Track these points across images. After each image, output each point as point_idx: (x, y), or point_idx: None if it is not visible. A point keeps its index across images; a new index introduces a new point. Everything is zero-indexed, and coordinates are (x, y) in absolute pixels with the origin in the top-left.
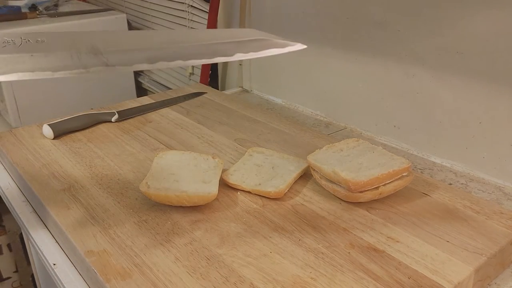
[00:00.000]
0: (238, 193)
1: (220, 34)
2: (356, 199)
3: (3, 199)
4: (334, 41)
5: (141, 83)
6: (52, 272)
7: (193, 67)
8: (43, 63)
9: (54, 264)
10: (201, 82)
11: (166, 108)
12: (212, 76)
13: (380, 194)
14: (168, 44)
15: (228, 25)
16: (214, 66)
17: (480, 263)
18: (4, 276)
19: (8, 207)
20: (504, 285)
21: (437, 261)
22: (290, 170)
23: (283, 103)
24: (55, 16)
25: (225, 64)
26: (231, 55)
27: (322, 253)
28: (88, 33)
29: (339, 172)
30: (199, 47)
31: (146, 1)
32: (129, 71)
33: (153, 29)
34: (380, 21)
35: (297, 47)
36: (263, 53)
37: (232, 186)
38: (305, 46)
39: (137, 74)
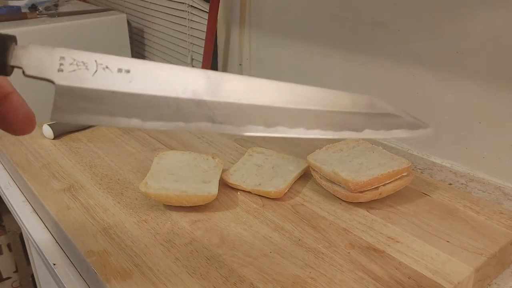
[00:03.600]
0: (238, 193)
1: (341, 99)
2: (356, 199)
3: (3, 199)
4: (334, 41)
5: None
6: (52, 272)
7: (193, 66)
8: (128, 107)
9: (54, 264)
10: None
11: None
12: None
13: (380, 194)
14: (293, 104)
15: (228, 25)
16: (214, 66)
17: (480, 263)
18: (4, 276)
19: (8, 207)
20: (504, 285)
21: (437, 261)
22: (290, 170)
23: None
24: (55, 16)
25: (225, 64)
26: (360, 131)
27: (322, 253)
28: (189, 71)
29: (339, 172)
30: (324, 114)
31: (146, 1)
32: (235, 134)
33: (153, 29)
34: (380, 21)
35: (428, 132)
36: (393, 133)
37: (232, 186)
38: (433, 132)
39: None
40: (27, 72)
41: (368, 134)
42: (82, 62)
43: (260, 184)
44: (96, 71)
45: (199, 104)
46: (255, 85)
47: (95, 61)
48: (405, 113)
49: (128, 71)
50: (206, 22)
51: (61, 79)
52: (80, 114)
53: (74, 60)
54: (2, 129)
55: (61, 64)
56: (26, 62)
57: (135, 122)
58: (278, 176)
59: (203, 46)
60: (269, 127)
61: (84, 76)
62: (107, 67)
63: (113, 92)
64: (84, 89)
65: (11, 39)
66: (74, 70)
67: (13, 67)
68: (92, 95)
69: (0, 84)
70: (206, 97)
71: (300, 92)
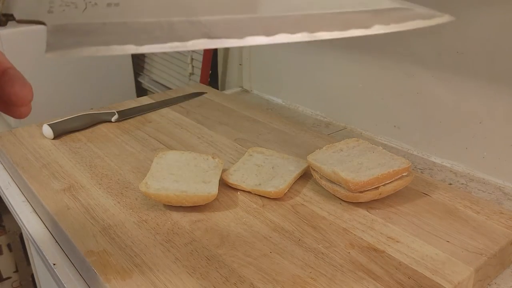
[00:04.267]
0: (238, 193)
1: (345, 1)
2: (356, 199)
3: (3, 199)
4: (334, 41)
5: (141, 83)
6: (52, 272)
7: (193, 66)
8: (121, 34)
9: (54, 264)
10: (201, 82)
11: (166, 108)
12: (212, 76)
13: (380, 194)
14: (288, 11)
15: None
16: (214, 66)
17: (480, 263)
18: (4, 276)
19: (8, 207)
20: (504, 285)
21: (437, 261)
22: (290, 170)
23: (283, 103)
24: None
25: (225, 64)
26: (369, 27)
27: (322, 253)
28: None
29: (339, 172)
30: (327, 16)
31: None
32: (239, 46)
33: None
34: None
35: (445, 18)
36: (406, 26)
37: (232, 186)
38: (453, 18)
39: (137, 74)
40: (18, 17)
41: (378, 29)
42: (72, 2)
43: (260, 184)
44: (86, 8)
45: (193, 23)
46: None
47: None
48: (416, 5)
49: (117, 4)
50: None
51: (52, 19)
52: (73, 48)
53: (63, 1)
54: (2, 110)
55: (51, 7)
56: (17, 9)
57: (129, 48)
58: (278, 176)
59: None
60: (269, 36)
61: (74, 14)
62: (96, 4)
63: (104, 24)
64: (75, 25)
65: None
66: (63, 10)
67: (5, 15)
68: (83, 29)
69: None
70: (200, 17)
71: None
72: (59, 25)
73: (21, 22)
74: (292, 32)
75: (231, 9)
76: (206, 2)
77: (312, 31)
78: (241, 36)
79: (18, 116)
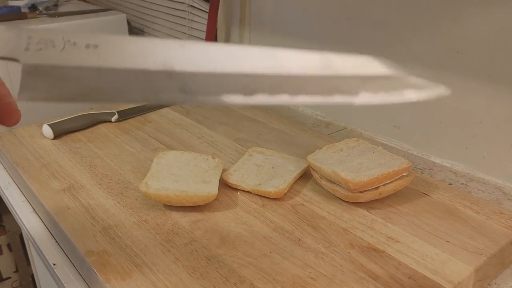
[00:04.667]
0: (238, 193)
1: (331, 61)
2: (356, 199)
3: (3, 199)
4: (334, 41)
5: None
6: (52, 272)
7: None
8: (95, 81)
9: (54, 264)
10: None
11: (166, 108)
12: None
13: (380, 194)
14: (271, 70)
15: (228, 25)
16: None
17: (480, 263)
18: (4, 276)
19: (8, 207)
20: (504, 285)
21: (437, 261)
22: (290, 170)
23: None
24: (55, 16)
25: None
26: (354, 94)
27: (322, 253)
28: (158, 41)
29: (339, 172)
30: (312, 79)
31: (146, 1)
32: (212, 104)
33: (153, 29)
34: (380, 21)
35: (439, 91)
36: (396, 96)
37: (232, 186)
38: (448, 92)
39: None
40: None
41: (364, 98)
42: (50, 40)
43: (260, 184)
44: (64, 48)
45: (170, 75)
46: (234, 52)
47: (62, 38)
48: (410, 76)
49: (96, 46)
50: (206, 22)
51: (28, 58)
52: (47, 93)
53: (41, 38)
54: None
55: (28, 44)
56: None
57: (103, 96)
58: (278, 176)
59: None
60: (248, 95)
61: (51, 54)
62: (74, 44)
63: (79, 68)
64: (50, 66)
65: None
66: (41, 49)
67: None
68: (57, 72)
69: None
70: (178, 68)
71: (283, 57)
72: (33, 65)
73: None
74: (271, 93)
75: (210, 62)
76: (185, 53)
77: (292, 94)
78: (217, 93)
79: (6, 125)
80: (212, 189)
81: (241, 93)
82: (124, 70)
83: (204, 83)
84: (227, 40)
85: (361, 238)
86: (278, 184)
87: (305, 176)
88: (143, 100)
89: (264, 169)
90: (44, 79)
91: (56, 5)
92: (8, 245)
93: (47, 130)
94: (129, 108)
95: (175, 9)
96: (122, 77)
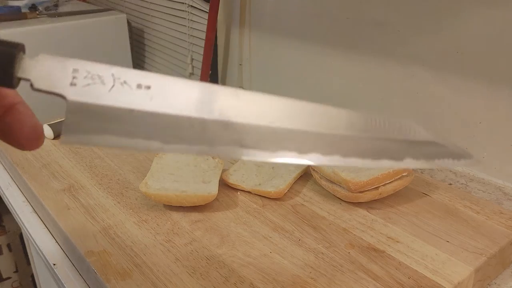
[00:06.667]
0: (238, 193)
1: (379, 124)
2: (356, 199)
3: (3, 199)
4: (334, 41)
5: None
6: (52, 272)
7: (193, 66)
8: (146, 127)
9: (54, 264)
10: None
11: None
12: (212, 76)
13: (380, 194)
14: (328, 129)
15: (228, 25)
16: (214, 66)
17: (480, 263)
18: (4, 276)
19: (8, 207)
20: (504, 285)
21: (437, 261)
22: (290, 170)
23: None
24: (55, 16)
25: (225, 64)
26: (400, 159)
27: (322, 253)
28: (217, 88)
29: (339, 172)
30: (362, 142)
31: (146, 1)
32: (265, 160)
33: (153, 29)
34: (380, 21)
35: (472, 161)
36: (435, 164)
37: (232, 186)
38: (478, 162)
39: None
40: (36, 85)
41: (408, 163)
42: (98, 75)
43: (260, 184)
44: (113, 86)
45: (226, 126)
46: (289, 106)
47: (112, 74)
48: (447, 141)
49: (148, 87)
50: (206, 22)
51: (74, 94)
52: (94, 135)
53: (89, 73)
54: (8, 143)
55: (74, 77)
56: (35, 74)
57: (154, 144)
58: (278, 176)
59: (203, 46)
60: (302, 154)
61: (99, 92)
62: (125, 82)
63: (132, 111)
64: (99, 106)
65: (19, 47)
66: (88, 84)
67: (20, 79)
68: (108, 113)
69: (4, 94)
70: (234, 119)
71: (335, 115)
72: (81, 103)
73: (38, 91)
74: (325, 153)
75: (266, 117)
76: (242, 106)
77: (344, 155)
78: (273, 150)
79: (26, 149)
80: (212, 189)
81: (295, 151)
82: (179, 116)
83: (260, 139)
84: (227, 40)
85: (361, 238)
86: (278, 184)
87: (305, 176)
88: (197, 151)
89: (264, 169)
90: (91, 119)
91: (56, 5)
92: (8, 245)
93: (47, 130)
94: None
95: (175, 9)
96: (177, 123)
